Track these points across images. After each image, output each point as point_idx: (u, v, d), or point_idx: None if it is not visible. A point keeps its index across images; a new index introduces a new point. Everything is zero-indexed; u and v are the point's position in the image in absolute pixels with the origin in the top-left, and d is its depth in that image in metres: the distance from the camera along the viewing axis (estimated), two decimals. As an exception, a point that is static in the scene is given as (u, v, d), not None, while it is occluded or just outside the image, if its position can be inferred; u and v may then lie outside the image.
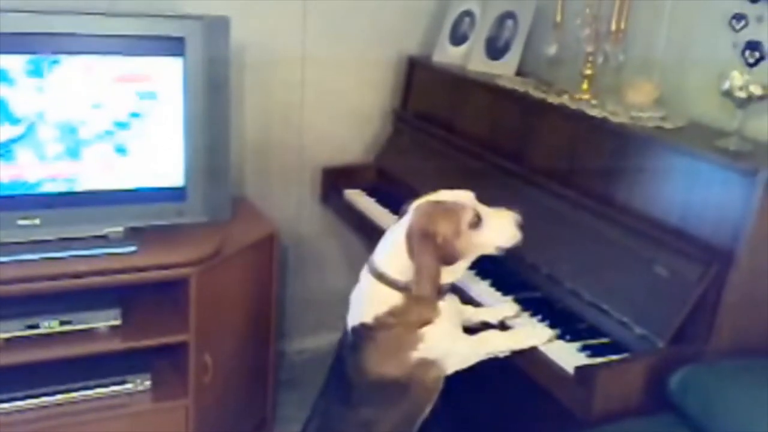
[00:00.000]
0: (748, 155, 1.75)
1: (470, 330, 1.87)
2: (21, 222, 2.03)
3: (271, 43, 2.70)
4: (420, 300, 1.76)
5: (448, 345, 1.80)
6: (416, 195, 1.86)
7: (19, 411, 2.03)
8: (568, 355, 1.71)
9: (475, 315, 1.93)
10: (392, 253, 1.80)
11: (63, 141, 2.04)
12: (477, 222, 1.77)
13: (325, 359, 2.00)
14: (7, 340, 2.00)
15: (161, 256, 2.08)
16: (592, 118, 2.03)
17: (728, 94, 1.80)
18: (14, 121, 1.99)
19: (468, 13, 2.79)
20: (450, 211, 1.77)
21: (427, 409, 1.87)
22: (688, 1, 2.14)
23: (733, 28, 2.00)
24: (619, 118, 1.99)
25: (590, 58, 2.19)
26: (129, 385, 2.16)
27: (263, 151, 2.81)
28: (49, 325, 2.04)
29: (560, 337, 1.77)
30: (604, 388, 1.57)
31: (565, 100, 2.16)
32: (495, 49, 2.64)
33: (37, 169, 2.04)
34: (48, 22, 1.97)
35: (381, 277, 1.80)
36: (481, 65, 2.65)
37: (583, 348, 1.73)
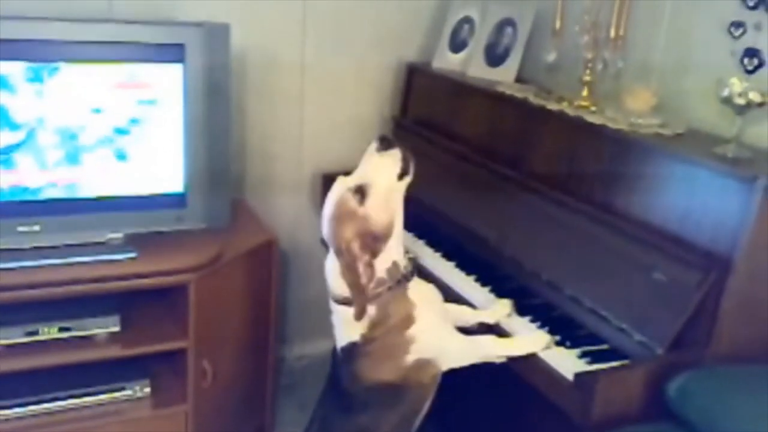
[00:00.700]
0: (746, 162, 1.75)
1: (469, 332, 1.87)
2: (21, 228, 2.03)
3: (271, 49, 2.70)
4: (389, 300, 1.77)
5: (440, 338, 1.80)
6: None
7: (19, 418, 2.03)
8: (567, 362, 1.71)
9: (473, 317, 1.93)
10: (335, 275, 1.80)
11: (63, 147, 2.04)
12: (361, 197, 1.75)
13: (324, 365, 2.00)
14: (7, 346, 2.00)
15: (161, 262, 2.08)
16: (591, 124, 2.03)
17: (727, 101, 1.81)
18: (14, 127, 1.99)
19: (467, 20, 2.79)
20: (338, 213, 1.75)
21: (425, 409, 1.87)
22: (686, 9, 2.15)
23: (732, 35, 2.00)
24: (618, 124, 2.00)
25: (589, 65, 2.20)
26: (128, 392, 2.16)
27: (263, 158, 2.81)
28: (49, 331, 2.03)
29: (560, 343, 1.78)
30: (603, 395, 1.57)
31: (564, 106, 2.16)
32: (494, 56, 2.65)
33: (37, 176, 2.04)
34: (48, 29, 1.97)
35: (343, 301, 1.81)
36: (480, 72, 2.66)
37: (583, 354, 1.74)
